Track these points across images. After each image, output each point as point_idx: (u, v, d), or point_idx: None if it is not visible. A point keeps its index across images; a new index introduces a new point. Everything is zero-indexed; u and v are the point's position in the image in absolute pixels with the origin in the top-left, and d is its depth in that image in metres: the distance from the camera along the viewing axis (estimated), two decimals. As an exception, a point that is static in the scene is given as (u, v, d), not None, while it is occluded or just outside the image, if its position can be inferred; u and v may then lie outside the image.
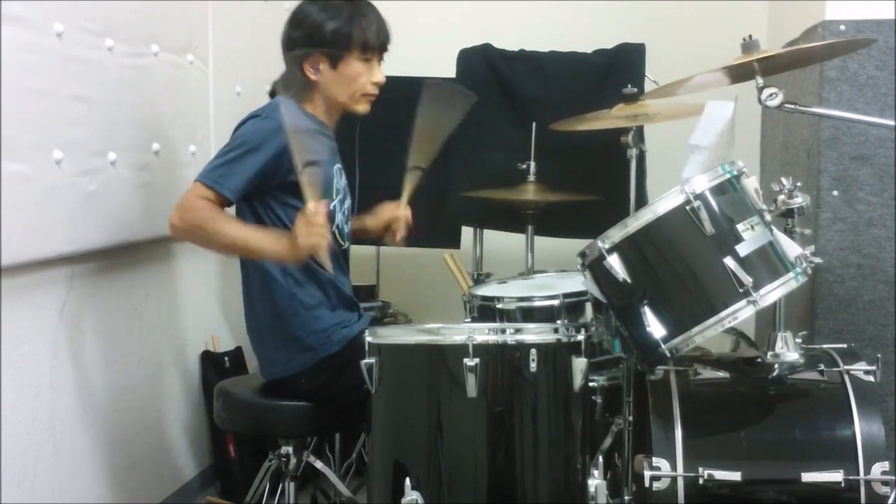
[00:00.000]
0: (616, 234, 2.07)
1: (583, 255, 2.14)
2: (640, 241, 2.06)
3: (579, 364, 2.10)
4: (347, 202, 2.50)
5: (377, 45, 2.38)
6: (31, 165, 2.21)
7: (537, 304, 2.50)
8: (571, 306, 2.48)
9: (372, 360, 2.11)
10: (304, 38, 2.35)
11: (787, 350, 2.21)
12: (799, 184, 2.18)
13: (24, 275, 2.24)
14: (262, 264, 2.34)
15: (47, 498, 2.36)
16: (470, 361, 2.01)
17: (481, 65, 3.35)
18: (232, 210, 2.32)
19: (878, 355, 2.17)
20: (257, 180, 2.25)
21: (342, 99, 2.40)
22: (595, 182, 3.02)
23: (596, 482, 2.03)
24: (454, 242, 3.42)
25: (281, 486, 2.46)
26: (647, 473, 2.01)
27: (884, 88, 2.78)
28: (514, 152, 3.11)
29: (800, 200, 2.16)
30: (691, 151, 2.37)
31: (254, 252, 2.27)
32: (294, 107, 2.27)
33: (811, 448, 2.06)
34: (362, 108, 2.43)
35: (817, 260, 2.13)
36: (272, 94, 2.44)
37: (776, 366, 2.21)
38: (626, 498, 2.35)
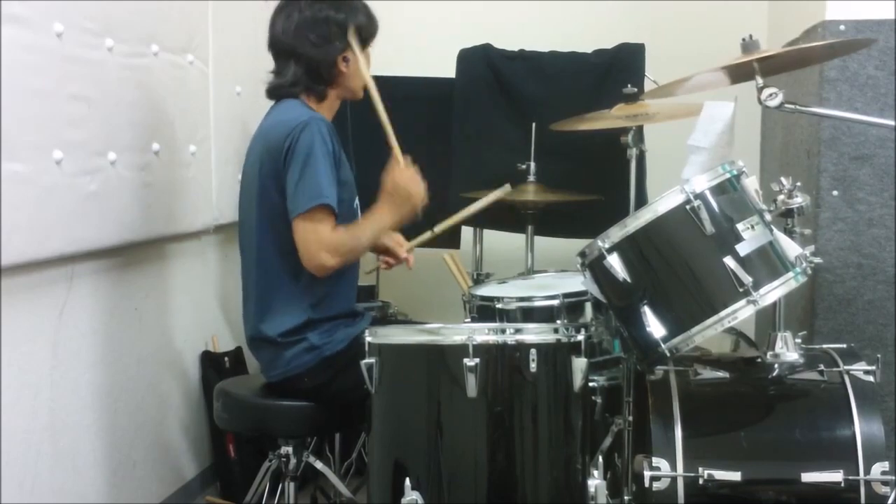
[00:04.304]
0: (616, 233, 2.07)
1: (583, 254, 2.14)
2: (639, 240, 2.06)
3: (579, 364, 2.10)
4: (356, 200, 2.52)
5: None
6: (31, 165, 2.20)
7: (537, 304, 2.51)
8: (571, 306, 2.48)
9: (372, 360, 2.11)
10: (338, 35, 2.39)
11: (787, 350, 2.21)
12: (799, 184, 2.18)
13: (24, 275, 2.24)
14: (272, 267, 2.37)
15: (47, 498, 2.36)
16: (470, 361, 2.01)
17: (481, 65, 3.35)
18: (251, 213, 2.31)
19: (878, 355, 2.17)
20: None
21: (356, 87, 2.47)
22: (595, 182, 3.02)
23: (596, 482, 2.02)
24: (454, 242, 3.42)
25: (281, 486, 2.46)
26: (647, 473, 2.01)
27: (884, 88, 2.78)
28: (514, 152, 3.11)
29: (799, 200, 2.16)
30: (691, 152, 2.38)
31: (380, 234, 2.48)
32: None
33: (811, 448, 2.06)
34: (361, 93, 2.50)
35: (817, 260, 2.13)
36: (279, 95, 2.45)
37: (776, 366, 2.21)
38: (625, 498, 2.35)
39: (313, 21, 2.40)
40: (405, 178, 2.40)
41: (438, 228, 2.69)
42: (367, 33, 2.46)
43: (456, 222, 2.70)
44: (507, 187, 2.70)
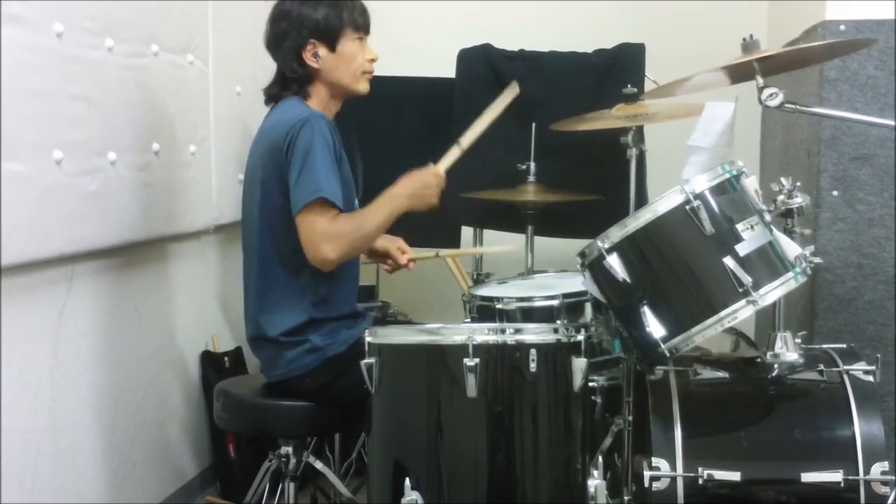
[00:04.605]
0: (616, 233, 2.07)
1: (583, 255, 2.14)
2: (639, 240, 2.06)
3: (579, 364, 2.10)
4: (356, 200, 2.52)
5: (364, 24, 2.45)
6: (31, 165, 2.20)
7: (537, 304, 2.50)
8: (571, 306, 2.48)
9: (372, 360, 2.11)
10: (295, 30, 2.38)
11: (787, 350, 2.21)
12: (799, 184, 2.18)
13: (24, 275, 2.24)
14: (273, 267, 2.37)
15: (47, 498, 2.36)
16: (470, 361, 2.01)
17: (481, 65, 3.34)
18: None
19: (878, 355, 2.17)
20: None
21: (346, 80, 2.43)
22: (595, 182, 3.02)
23: (596, 482, 2.02)
24: (454, 242, 3.42)
25: (281, 486, 2.46)
26: (647, 473, 2.01)
27: (884, 88, 2.78)
28: (514, 152, 3.10)
29: (799, 200, 2.16)
30: (691, 152, 2.38)
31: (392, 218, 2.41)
32: None
33: (811, 448, 2.06)
34: (364, 86, 2.47)
35: (817, 260, 2.13)
36: (272, 99, 2.45)
37: (776, 366, 2.21)
38: (625, 498, 2.35)
39: (275, 17, 2.41)
40: (433, 176, 2.44)
41: (444, 253, 2.70)
42: (329, 24, 2.37)
43: (465, 253, 2.78)
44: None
